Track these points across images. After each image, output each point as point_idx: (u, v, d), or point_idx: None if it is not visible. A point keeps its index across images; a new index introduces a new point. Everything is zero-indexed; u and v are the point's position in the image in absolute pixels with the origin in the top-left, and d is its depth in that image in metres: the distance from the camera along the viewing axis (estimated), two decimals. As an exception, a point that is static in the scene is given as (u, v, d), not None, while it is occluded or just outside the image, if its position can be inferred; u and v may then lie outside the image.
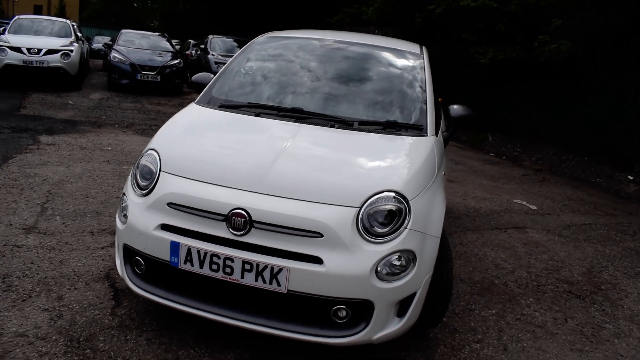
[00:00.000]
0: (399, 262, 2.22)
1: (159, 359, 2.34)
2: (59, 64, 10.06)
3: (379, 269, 2.17)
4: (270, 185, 2.28)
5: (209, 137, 2.72)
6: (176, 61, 12.12)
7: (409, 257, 2.24)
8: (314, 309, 2.21)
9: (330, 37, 3.62)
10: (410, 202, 2.30)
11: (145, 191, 2.44)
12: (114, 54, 11.68)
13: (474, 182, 6.71)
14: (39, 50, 9.89)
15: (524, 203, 5.89)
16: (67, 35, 11.13)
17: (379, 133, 2.75)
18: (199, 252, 2.24)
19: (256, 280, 2.18)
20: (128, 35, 12.89)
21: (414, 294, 2.30)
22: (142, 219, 2.39)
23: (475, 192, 6.18)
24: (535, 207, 5.76)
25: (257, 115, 2.86)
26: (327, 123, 2.77)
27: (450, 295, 2.66)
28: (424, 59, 3.35)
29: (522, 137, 9.72)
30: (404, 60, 3.37)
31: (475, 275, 3.69)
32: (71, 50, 10.33)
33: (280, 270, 2.15)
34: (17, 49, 9.75)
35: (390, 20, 11.81)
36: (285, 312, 2.25)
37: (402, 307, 2.31)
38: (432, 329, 2.82)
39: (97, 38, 27.57)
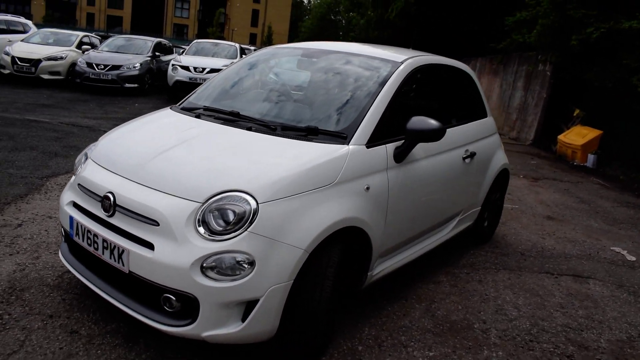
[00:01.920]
0: (233, 264, 2.13)
1: (55, 314, 2.64)
2: (218, 81, 11.57)
3: (205, 265, 2.12)
4: (143, 174, 2.42)
5: (139, 132, 2.94)
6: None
7: (247, 261, 2.14)
8: (149, 293, 2.26)
9: (319, 47, 3.58)
10: (260, 205, 2.19)
11: (77, 174, 2.80)
12: None
13: (579, 223, 5.68)
14: (203, 69, 11.53)
15: (624, 252, 4.79)
16: (233, 57, 12.73)
17: (291, 138, 2.64)
18: (81, 227, 2.50)
19: (110, 257, 2.34)
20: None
21: (255, 301, 2.18)
22: (63, 197, 2.76)
23: (569, 233, 5.24)
24: (634, 259, 4.63)
25: (198, 116, 3.01)
26: (250, 126, 2.77)
27: (325, 317, 2.40)
28: (396, 70, 3.07)
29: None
30: (373, 69, 3.13)
31: (457, 315, 3.19)
32: (230, 70, 11.79)
33: (123, 251, 2.27)
34: (186, 68, 11.53)
35: (548, 44, 10.67)
36: (132, 291, 2.35)
37: (247, 312, 2.21)
38: (328, 351, 2.58)
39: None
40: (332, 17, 63.29)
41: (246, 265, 2.13)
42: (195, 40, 14.01)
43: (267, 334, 2.28)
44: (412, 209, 3.08)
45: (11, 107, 8.72)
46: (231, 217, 2.17)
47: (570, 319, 3.33)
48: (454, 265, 3.98)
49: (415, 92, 3.12)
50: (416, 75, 3.20)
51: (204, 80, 11.52)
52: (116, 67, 11.91)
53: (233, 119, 2.89)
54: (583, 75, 9.60)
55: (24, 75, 11.83)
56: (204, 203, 2.21)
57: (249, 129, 2.75)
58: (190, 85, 11.55)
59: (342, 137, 2.66)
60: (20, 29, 13.74)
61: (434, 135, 2.81)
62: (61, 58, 12.30)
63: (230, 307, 2.17)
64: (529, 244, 4.72)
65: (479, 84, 4.25)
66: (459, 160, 3.58)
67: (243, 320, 2.20)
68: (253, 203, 2.19)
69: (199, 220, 2.18)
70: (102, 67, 11.94)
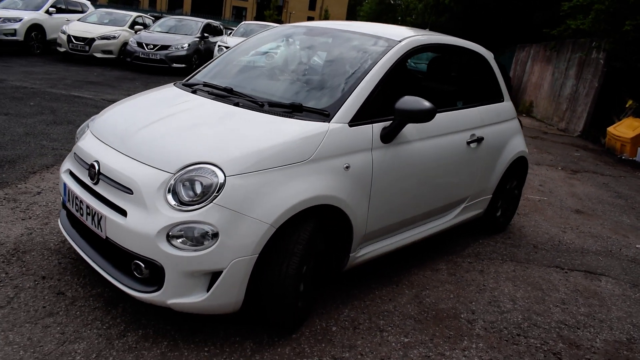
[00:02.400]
0: (197, 234, 2.19)
1: (48, 276, 2.81)
2: (260, 63, 11.72)
3: (170, 234, 2.18)
4: (128, 144, 2.51)
5: (136, 105, 3.02)
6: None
7: (211, 232, 2.18)
8: (123, 259, 2.35)
9: (324, 26, 3.55)
10: (227, 177, 2.23)
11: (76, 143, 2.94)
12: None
13: (609, 219, 5.38)
14: (246, 50, 11.69)
15: (651, 252, 4.50)
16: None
17: (275, 114, 2.64)
18: (72, 193, 2.63)
19: (92, 223, 2.45)
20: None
21: (219, 272, 2.23)
22: (63, 165, 2.91)
23: (595, 228, 4.98)
24: (660, 259, 4.35)
25: (194, 91, 3.06)
26: (237, 102, 2.80)
27: (292, 293, 2.41)
28: (392, 49, 3.01)
29: None
30: (370, 47, 3.09)
31: (446, 303, 3.13)
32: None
33: (102, 217, 2.37)
34: (230, 49, 11.71)
35: (602, 30, 10.04)
36: (110, 256, 2.46)
37: (212, 283, 2.26)
38: (301, 329, 2.61)
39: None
40: (392, 1, 62.26)
41: (210, 236, 2.18)
42: (243, 22, 14.18)
43: (232, 306, 2.32)
44: (403, 192, 3.02)
45: (60, 83, 9.19)
46: (199, 188, 2.22)
47: (569, 316, 3.18)
48: (458, 254, 3.88)
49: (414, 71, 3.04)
50: (415, 55, 3.12)
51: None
52: (165, 47, 12.29)
53: (225, 94, 2.92)
54: (637, 63, 8.98)
55: (78, 53, 12.41)
56: (175, 174, 2.27)
57: (237, 104, 2.78)
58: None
59: (324, 115, 2.64)
60: (79, 9, 14.37)
61: (424, 116, 2.74)
62: (114, 37, 12.80)
63: (196, 276, 2.23)
64: (545, 237, 4.52)
65: (496, 67, 4.08)
66: (462, 145, 3.47)
67: (208, 291, 2.26)
68: (221, 176, 2.23)
69: (169, 190, 2.25)
70: (152, 46, 12.33)
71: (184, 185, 2.25)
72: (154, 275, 2.28)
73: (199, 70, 3.58)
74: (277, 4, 49.37)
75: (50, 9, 12.97)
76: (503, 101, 4.13)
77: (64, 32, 12.44)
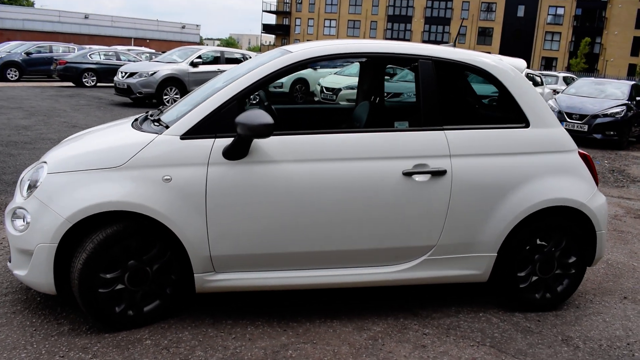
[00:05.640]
0: (20, 218, 2.69)
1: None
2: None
3: (14, 215, 2.73)
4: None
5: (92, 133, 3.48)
6: (618, 110, 10.50)
7: (29, 218, 2.64)
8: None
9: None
10: (47, 174, 2.68)
11: None
12: (550, 102, 11.43)
13: None
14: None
15: None
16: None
17: (139, 130, 2.86)
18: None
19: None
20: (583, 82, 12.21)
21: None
22: None
23: None
24: None
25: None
26: (138, 118, 3.16)
27: (85, 289, 2.59)
28: (270, 61, 2.85)
29: None
30: (272, 56, 3.01)
31: (310, 360, 2.59)
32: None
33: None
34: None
35: None
36: None
37: None
38: (120, 333, 2.68)
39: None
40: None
41: (27, 221, 2.63)
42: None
43: (46, 286, 2.64)
44: (269, 220, 2.73)
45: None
46: (31, 181, 2.73)
47: None
48: (422, 320, 3.06)
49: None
50: (325, 63, 2.85)
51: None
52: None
53: (146, 117, 3.19)
54: None
55: (328, 101, 14.22)
56: (31, 170, 2.84)
57: (136, 120, 3.12)
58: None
59: (165, 127, 2.75)
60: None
61: (261, 130, 2.53)
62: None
63: (25, 254, 2.67)
64: (615, 334, 3.03)
65: (515, 81, 3.06)
66: (394, 176, 2.82)
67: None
68: (45, 172, 2.68)
69: (27, 181, 2.79)
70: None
71: (32, 178, 2.77)
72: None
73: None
74: (584, 51, 44.29)
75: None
76: (527, 127, 3.07)
77: (319, 84, 14.50)
